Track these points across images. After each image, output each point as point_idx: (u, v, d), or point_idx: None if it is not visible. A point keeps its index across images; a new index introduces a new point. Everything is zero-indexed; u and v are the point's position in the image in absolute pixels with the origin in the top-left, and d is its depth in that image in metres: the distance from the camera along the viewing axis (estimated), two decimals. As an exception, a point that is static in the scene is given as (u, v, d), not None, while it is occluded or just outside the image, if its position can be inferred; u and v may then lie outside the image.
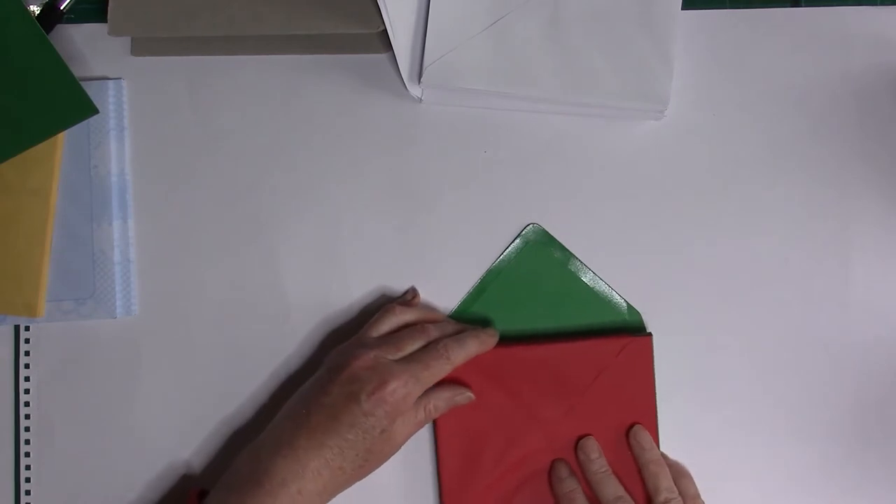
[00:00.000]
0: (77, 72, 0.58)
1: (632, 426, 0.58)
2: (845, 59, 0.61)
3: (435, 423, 0.59)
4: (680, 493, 0.56)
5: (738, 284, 0.60)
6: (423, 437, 0.60)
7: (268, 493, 0.50)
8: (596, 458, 0.57)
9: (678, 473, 0.57)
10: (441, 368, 0.55)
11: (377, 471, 0.54)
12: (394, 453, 0.54)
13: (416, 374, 0.54)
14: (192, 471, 0.61)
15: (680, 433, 0.59)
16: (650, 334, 0.59)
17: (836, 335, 0.60)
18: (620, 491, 0.56)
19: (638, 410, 0.58)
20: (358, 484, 0.54)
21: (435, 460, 0.59)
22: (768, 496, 0.59)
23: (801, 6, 0.61)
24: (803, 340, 0.60)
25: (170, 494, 0.60)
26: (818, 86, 0.61)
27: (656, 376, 0.58)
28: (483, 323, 0.60)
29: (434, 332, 0.57)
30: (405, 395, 0.53)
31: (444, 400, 0.56)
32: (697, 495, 0.57)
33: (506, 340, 0.59)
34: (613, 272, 0.60)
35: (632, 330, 0.60)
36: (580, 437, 0.58)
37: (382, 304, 0.59)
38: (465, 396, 0.57)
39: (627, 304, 0.60)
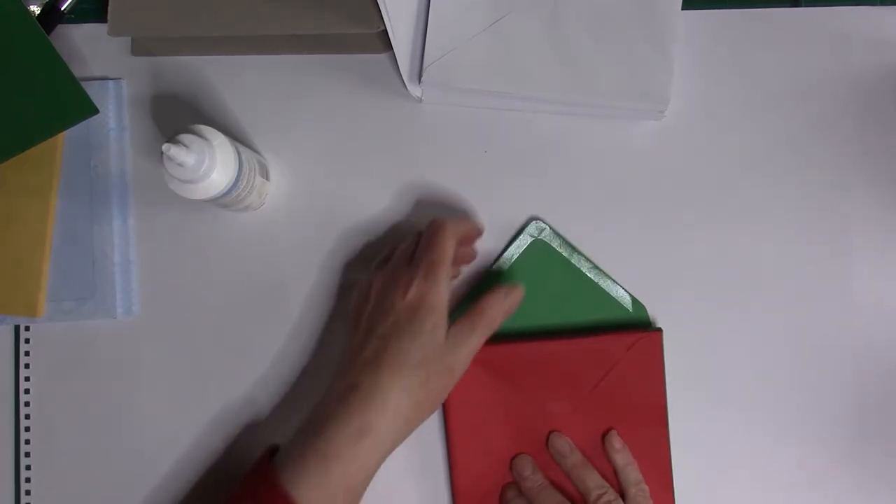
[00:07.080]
0: (77, 72, 0.58)
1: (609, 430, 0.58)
2: (845, 59, 0.61)
3: (446, 420, 0.58)
4: (623, 481, 0.57)
5: (738, 283, 0.60)
6: (435, 434, 0.60)
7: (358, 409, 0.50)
8: (569, 453, 0.58)
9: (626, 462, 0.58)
10: (441, 239, 0.54)
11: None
12: (449, 354, 0.52)
13: (420, 261, 0.53)
14: (193, 470, 0.61)
15: (689, 428, 0.59)
16: (660, 330, 0.59)
17: (838, 332, 0.60)
18: (601, 481, 0.57)
19: (648, 406, 0.58)
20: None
21: (447, 457, 0.59)
22: (775, 491, 0.59)
23: (801, 6, 0.61)
24: (806, 337, 0.60)
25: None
26: (818, 86, 0.61)
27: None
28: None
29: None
30: (428, 282, 0.52)
31: (460, 230, 0.56)
32: (640, 480, 0.58)
33: (513, 337, 0.59)
34: (614, 272, 0.60)
35: (637, 325, 0.60)
36: (592, 434, 0.58)
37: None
38: (474, 226, 0.58)
39: (633, 298, 0.60)
